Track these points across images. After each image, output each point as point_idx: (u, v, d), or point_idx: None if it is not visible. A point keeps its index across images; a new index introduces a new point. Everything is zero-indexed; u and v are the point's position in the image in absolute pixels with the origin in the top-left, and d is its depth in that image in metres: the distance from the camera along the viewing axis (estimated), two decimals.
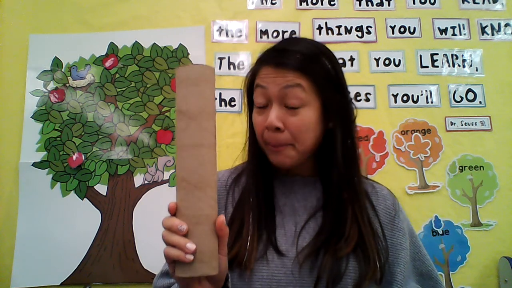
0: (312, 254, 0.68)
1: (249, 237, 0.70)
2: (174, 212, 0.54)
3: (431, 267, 0.80)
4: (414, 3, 1.58)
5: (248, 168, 0.81)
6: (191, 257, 0.51)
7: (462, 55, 1.54)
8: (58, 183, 1.47)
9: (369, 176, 1.42)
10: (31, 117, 1.51)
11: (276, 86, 0.69)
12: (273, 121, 0.69)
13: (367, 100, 1.50)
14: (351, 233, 0.70)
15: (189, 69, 0.54)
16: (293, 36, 0.80)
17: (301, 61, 0.69)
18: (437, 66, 1.53)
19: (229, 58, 1.55)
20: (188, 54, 1.54)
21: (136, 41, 1.56)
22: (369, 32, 1.56)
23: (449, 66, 1.54)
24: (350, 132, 0.76)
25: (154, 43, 1.55)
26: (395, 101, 1.51)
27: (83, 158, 1.48)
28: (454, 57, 1.54)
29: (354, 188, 0.74)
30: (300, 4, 1.58)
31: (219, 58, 1.55)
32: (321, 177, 0.78)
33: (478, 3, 1.58)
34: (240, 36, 1.57)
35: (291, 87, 0.68)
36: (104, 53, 1.55)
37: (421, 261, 0.79)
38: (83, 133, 1.50)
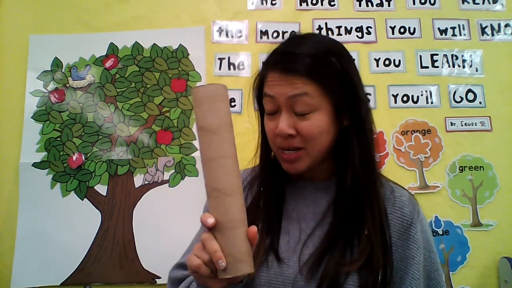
0: (315, 265, 0.66)
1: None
2: (213, 224, 0.55)
3: None
4: (414, 3, 1.58)
5: (259, 174, 0.79)
6: (223, 264, 0.54)
7: (462, 56, 1.54)
8: (58, 183, 1.47)
9: None
10: (31, 117, 1.51)
11: (283, 95, 0.67)
12: (283, 128, 0.67)
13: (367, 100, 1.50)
14: (362, 249, 0.66)
15: (205, 89, 0.59)
16: (301, 34, 0.75)
17: (308, 66, 0.66)
18: (437, 67, 1.53)
19: (229, 58, 1.55)
20: (188, 54, 1.54)
21: (136, 41, 1.56)
22: (369, 33, 1.56)
23: (449, 66, 1.54)
24: (365, 130, 0.72)
25: (154, 43, 1.55)
26: (395, 102, 1.51)
27: (83, 159, 1.48)
28: (454, 57, 1.54)
29: (369, 193, 0.69)
30: (300, 5, 1.58)
31: (219, 58, 1.55)
32: (337, 180, 0.74)
33: (478, 4, 1.58)
34: (240, 36, 1.57)
35: (298, 96, 0.66)
36: (104, 54, 1.55)
37: (436, 280, 0.72)
38: (83, 134, 1.50)
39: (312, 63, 0.67)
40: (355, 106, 0.71)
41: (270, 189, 0.75)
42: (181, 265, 0.81)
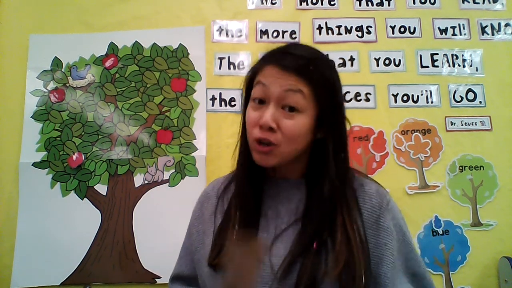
0: (287, 269, 0.67)
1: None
2: None
3: (423, 267, 0.78)
4: (414, 3, 1.58)
5: (236, 173, 0.81)
6: None
7: (462, 55, 1.54)
8: (58, 183, 1.47)
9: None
10: (31, 117, 1.51)
11: (278, 87, 0.69)
12: (268, 120, 0.69)
13: (367, 100, 1.50)
14: (337, 255, 0.67)
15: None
16: (295, 41, 0.79)
17: (304, 67, 0.70)
18: (437, 66, 1.53)
19: (229, 58, 1.55)
20: (188, 54, 1.54)
21: (136, 41, 1.56)
22: (369, 32, 1.56)
23: (449, 66, 1.54)
24: (342, 144, 0.75)
25: (154, 43, 1.55)
26: (395, 101, 1.51)
27: (83, 158, 1.47)
28: (454, 57, 1.54)
29: (346, 200, 0.72)
30: (300, 4, 1.58)
31: (219, 58, 1.55)
32: (306, 180, 0.77)
33: (478, 3, 1.58)
34: (240, 36, 1.57)
35: (292, 91, 0.69)
36: (104, 53, 1.55)
37: (414, 260, 0.77)
38: (83, 133, 1.50)
39: (307, 65, 0.70)
40: (338, 120, 0.74)
41: (247, 189, 0.77)
42: (178, 277, 0.86)
